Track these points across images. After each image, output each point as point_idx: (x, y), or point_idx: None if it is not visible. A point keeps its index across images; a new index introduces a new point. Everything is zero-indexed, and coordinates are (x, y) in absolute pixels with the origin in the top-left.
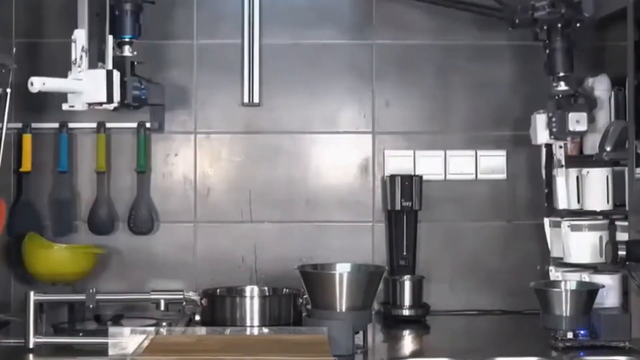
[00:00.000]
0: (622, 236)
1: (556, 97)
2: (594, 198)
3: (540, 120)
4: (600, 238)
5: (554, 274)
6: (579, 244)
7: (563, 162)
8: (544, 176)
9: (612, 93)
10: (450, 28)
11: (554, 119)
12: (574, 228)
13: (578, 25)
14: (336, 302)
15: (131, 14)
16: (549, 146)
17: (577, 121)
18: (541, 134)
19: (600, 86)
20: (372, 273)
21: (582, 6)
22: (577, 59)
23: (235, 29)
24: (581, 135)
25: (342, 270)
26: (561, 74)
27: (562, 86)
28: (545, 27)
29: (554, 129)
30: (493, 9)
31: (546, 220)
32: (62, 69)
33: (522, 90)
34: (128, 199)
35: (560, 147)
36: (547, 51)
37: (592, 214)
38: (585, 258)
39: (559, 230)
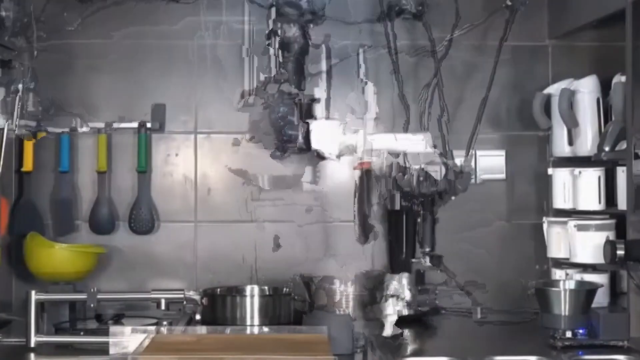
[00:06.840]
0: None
1: None
2: (588, 198)
3: None
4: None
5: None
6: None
7: None
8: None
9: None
10: (447, 29)
11: None
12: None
13: None
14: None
15: None
16: None
17: None
18: None
19: (586, 87)
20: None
21: None
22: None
23: (236, 30)
24: None
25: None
26: None
27: None
28: None
29: None
30: None
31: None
32: (69, 69)
33: (522, 90)
34: (129, 199)
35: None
36: None
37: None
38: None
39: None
